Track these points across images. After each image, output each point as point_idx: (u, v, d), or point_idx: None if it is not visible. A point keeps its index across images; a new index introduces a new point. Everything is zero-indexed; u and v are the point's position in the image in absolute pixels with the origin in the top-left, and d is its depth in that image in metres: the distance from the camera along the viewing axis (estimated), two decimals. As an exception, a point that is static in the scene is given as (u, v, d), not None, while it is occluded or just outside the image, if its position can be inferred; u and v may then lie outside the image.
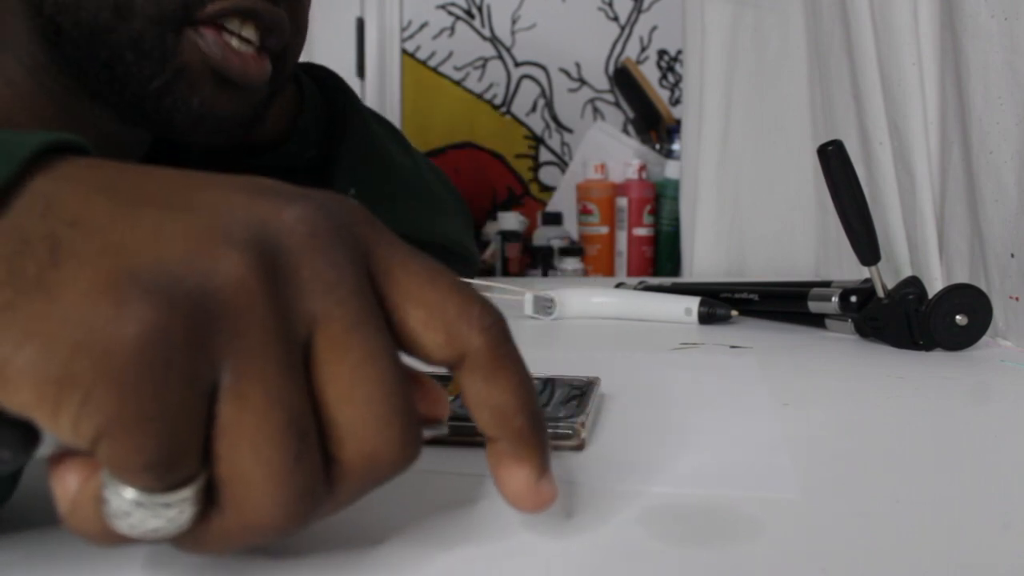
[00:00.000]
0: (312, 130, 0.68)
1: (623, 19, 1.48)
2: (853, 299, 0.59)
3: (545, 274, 1.38)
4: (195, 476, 0.18)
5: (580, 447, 0.32)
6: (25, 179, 0.19)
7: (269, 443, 0.18)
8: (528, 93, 1.52)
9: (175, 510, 0.18)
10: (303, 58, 0.74)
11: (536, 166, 1.53)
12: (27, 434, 0.18)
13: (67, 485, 0.19)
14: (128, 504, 0.18)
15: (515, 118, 1.53)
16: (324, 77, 0.72)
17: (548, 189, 1.53)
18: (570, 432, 0.32)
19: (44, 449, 0.19)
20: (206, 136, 0.51)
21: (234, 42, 0.49)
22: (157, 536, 0.18)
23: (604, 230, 1.36)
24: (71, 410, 0.17)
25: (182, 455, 0.18)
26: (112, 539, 0.19)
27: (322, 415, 0.20)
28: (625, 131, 1.49)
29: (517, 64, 1.52)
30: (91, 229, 0.18)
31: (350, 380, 0.20)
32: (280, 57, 0.54)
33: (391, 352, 0.21)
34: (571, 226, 1.46)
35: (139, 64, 0.47)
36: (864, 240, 0.57)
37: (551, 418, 0.32)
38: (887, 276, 0.58)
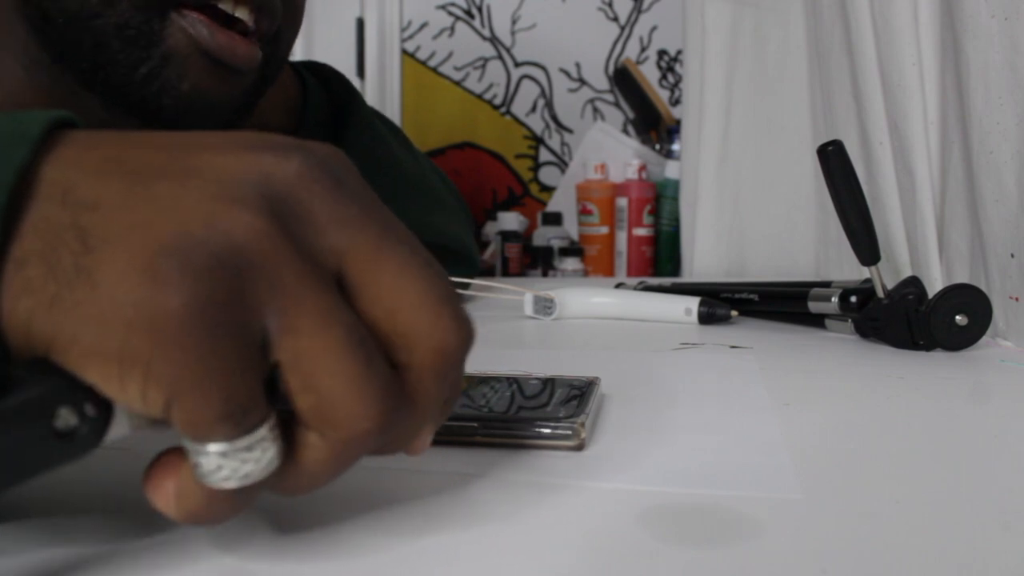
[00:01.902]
0: (316, 127, 0.68)
1: (623, 19, 1.48)
2: (853, 299, 0.59)
3: (545, 274, 1.38)
4: (265, 416, 0.20)
5: (580, 447, 0.32)
6: (34, 165, 0.20)
7: (338, 358, 0.20)
8: (528, 93, 1.52)
9: (257, 451, 0.20)
10: (306, 58, 0.74)
11: (536, 166, 1.53)
12: (104, 401, 0.20)
13: (166, 490, 0.21)
14: (215, 458, 0.20)
15: (515, 118, 1.53)
16: (327, 75, 0.72)
17: (548, 189, 1.53)
18: (570, 432, 0.32)
19: (114, 432, 0.20)
20: (196, 122, 0.50)
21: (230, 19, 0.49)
22: (252, 479, 0.20)
23: (604, 230, 1.36)
24: (137, 383, 0.19)
25: (247, 400, 0.19)
26: (224, 507, 0.21)
27: (381, 331, 0.22)
28: (625, 131, 1.49)
29: (517, 64, 1.52)
30: (111, 210, 0.19)
31: (394, 290, 0.21)
32: (273, 41, 0.54)
33: (423, 254, 0.22)
34: (571, 226, 1.46)
35: (125, 51, 0.47)
36: (864, 240, 0.57)
37: (551, 418, 0.32)
38: (887, 276, 0.58)
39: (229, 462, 0.20)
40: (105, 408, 0.20)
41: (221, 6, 0.48)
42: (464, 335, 0.22)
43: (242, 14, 0.50)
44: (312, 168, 0.22)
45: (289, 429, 0.21)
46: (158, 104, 0.48)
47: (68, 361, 0.19)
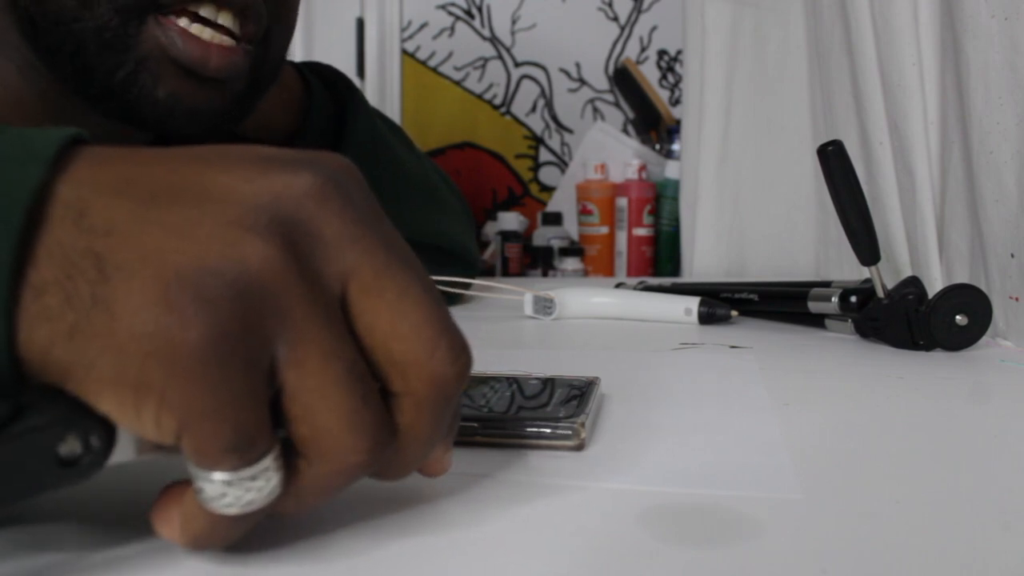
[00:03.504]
0: (320, 128, 0.68)
1: (623, 19, 1.48)
2: (853, 299, 0.59)
3: (545, 274, 1.38)
4: (270, 447, 0.20)
5: (580, 447, 0.32)
6: (49, 184, 0.20)
7: (336, 393, 0.21)
8: (528, 93, 1.52)
9: (261, 480, 0.20)
10: (306, 58, 0.74)
11: (536, 166, 1.53)
12: (109, 428, 0.20)
13: (171, 517, 0.21)
14: (220, 486, 0.20)
15: (515, 118, 1.53)
16: (330, 76, 0.72)
17: (548, 189, 1.53)
18: (570, 432, 0.32)
19: (117, 457, 0.21)
20: (179, 127, 0.50)
21: (206, 33, 0.48)
22: (254, 507, 0.21)
23: (604, 230, 1.36)
24: (151, 412, 0.19)
25: (255, 432, 0.20)
26: (226, 531, 0.21)
27: (378, 357, 0.22)
28: (625, 131, 1.49)
29: (517, 64, 1.52)
30: (125, 236, 0.19)
31: (392, 316, 0.22)
32: (261, 44, 0.53)
33: (423, 280, 0.22)
34: (571, 226, 1.46)
35: (101, 55, 0.46)
36: (864, 240, 0.57)
37: (551, 418, 0.32)
38: (887, 276, 0.58)
39: (233, 490, 0.20)
40: (109, 436, 0.20)
41: (203, 12, 0.48)
42: (459, 368, 0.22)
43: (225, 19, 0.49)
44: (323, 186, 0.22)
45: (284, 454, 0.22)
46: (138, 110, 0.48)
47: (84, 389, 0.19)
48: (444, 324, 0.22)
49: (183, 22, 0.47)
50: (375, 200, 0.23)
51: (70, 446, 0.19)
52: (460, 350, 0.23)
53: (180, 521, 0.21)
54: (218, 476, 0.20)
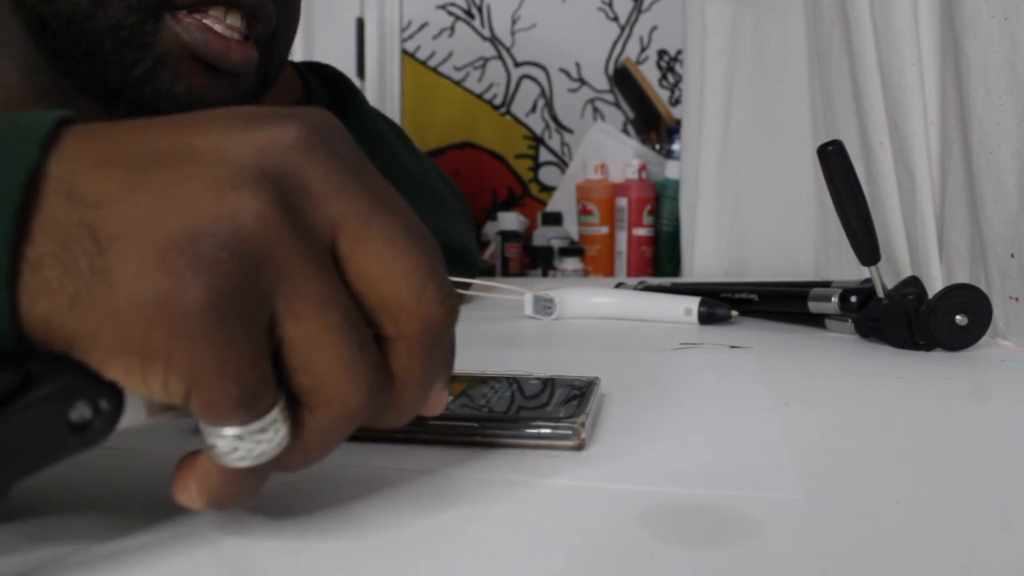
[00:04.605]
0: None
1: (623, 19, 1.48)
2: (853, 299, 0.59)
3: (545, 274, 1.38)
4: (276, 400, 0.21)
5: (580, 447, 0.32)
6: (41, 163, 0.20)
7: (333, 342, 0.21)
8: (528, 93, 1.52)
9: (270, 432, 0.21)
10: (306, 58, 0.74)
11: (536, 166, 1.53)
12: (117, 391, 0.21)
13: (188, 486, 0.22)
14: (231, 440, 0.21)
15: (515, 118, 1.53)
16: (330, 76, 0.72)
17: (548, 189, 1.53)
18: (570, 432, 0.32)
19: (127, 420, 0.21)
20: None
21: (217, 27, 0.49)
22: (266, 458, 0.21)
23: (604, 230, 1.36)
24: (158, 375, 0.20)
25: (260, 386, 0.20)
26: (240, 485, 0.22)
27: (368, 302, 0.22)
28: (625, 131, 1.49)
29: (517, 64, 1.52)
30: (115, 205, 0.20)
31: (381, 263, 0.22)
32: (269, 43, 0.54)
33: (411, 226, 0.23)
34: (571, 226, 1.46)
35: (118, 52, 0.47)
36: (864, 240, 0.57)
37: (551, 418, 0.32)
38: (887, 276, 0.58)
39: (244, 444, 0.21)
40: (117, 400, 0.21)
41: (212, 13, 0.48)
42: (447, 309, 0.23)
43: (234, 20, 0.50)
44: (307, 138, 0.22)
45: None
46: (155, 107, 0.49)
47: (90, 358, 0.20)
48: (431, 268, 0.23)
49: (193, 18, 0.48)
50: (359, 149, 0.24)
51: (80, 411, 0.20)
52: (447, 293, 0.23)
53: (196, 483, 0.22)
54: (229, 431, 0.21)
